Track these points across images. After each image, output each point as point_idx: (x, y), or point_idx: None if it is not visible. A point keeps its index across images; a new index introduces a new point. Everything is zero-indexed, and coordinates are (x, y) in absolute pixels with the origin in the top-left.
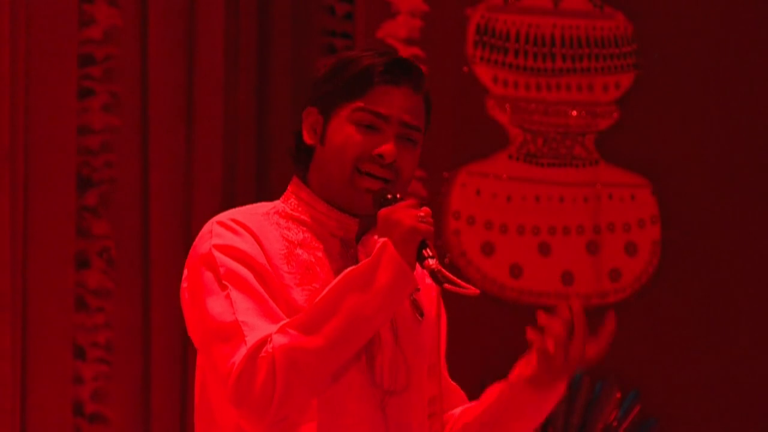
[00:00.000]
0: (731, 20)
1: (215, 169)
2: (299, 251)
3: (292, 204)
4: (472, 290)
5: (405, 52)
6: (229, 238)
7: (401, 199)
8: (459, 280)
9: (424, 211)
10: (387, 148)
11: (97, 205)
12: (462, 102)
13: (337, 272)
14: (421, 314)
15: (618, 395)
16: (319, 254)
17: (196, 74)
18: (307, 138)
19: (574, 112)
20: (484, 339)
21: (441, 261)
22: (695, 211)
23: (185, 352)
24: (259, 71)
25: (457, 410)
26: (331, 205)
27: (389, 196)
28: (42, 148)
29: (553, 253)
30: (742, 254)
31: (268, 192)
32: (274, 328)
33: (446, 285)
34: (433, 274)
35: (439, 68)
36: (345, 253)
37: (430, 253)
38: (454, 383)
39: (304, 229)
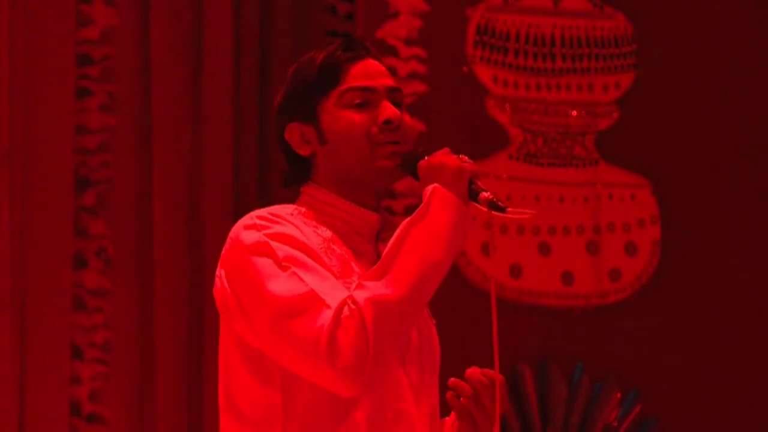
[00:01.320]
0: (731, 20)
1: (225, 170)
2: (333, 246)
3: (311, 206)
4: (531, 213)
5: (405, 52)
6: (278, 228)
7: (432, 151)
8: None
9: (462, 156)
10: (390, 112)
11: (94, 205)
12: (462, 102)
13: (369, 268)
14: (433, 317)
15: (618, 395)
16: (349, 251)
17: (203, 74)
18: (303, 151)
19: (574, 112)
20: (484, 339)
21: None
22: (695, 211)
23: (189, 352)
24: (260, 71)
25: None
26: (352, 201)
27: (420, 151)
28: (40, 148)
29: (553, 253)
30: (742, 254)
31: (269, 193)
32: (346, 291)
33: (509, 210)
34: (492, 204)
35: (439, 68)
36: (369, 250)
37: (482, 187)
38: None
39: (327, 228)
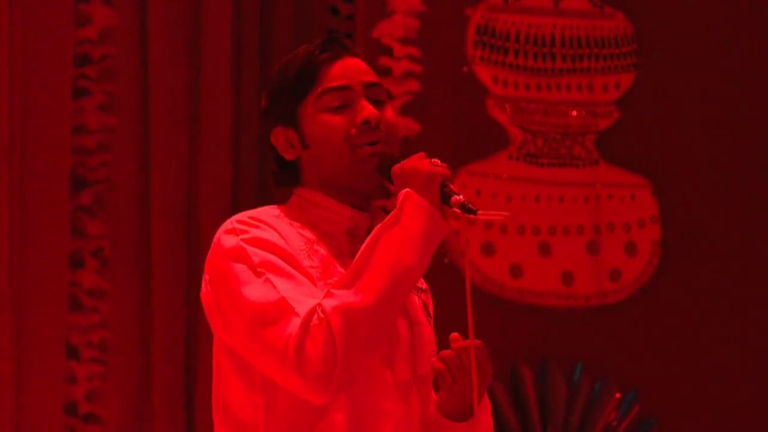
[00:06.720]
0: (731, 20)
1: (223, 171)
2: (317, 247)
3: (299, 207)
4: (504, 215)
5: (401, 51)
6: (255, 232)
7: (408, 155)
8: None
9: (435, 160)
10: (367, 112)
11: (91, 205)
12: (462, 102)
13: None
14: (429, 314)
15: (617, 395)
16: (334, 251)
17: (202, 75)
18: (288, 155)
19: (574, 112)
20: (484, 339)
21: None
22: (695, 211)
23: (186, 352)
24: (260, 71)
25: None
26: (340, 201)
27: (396, 156)
28: (37, 147)
29: (553, 253)
30: (742, 254)
31: (269, 194)
32: (319, 297)
33: (480, 212)
34: (463, 207)
35: (439, 68)
36: (355, 249)
37: (455, 190)
38: None
39: (314, 229)
